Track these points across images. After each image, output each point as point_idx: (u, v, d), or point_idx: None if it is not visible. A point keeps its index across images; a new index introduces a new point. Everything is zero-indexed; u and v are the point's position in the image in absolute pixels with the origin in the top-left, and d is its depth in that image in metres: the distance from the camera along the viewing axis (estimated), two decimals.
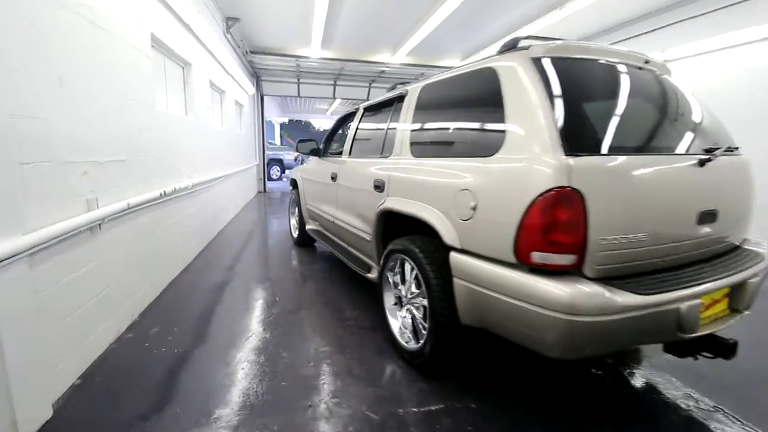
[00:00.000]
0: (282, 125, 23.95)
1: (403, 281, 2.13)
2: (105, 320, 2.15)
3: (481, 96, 1.75)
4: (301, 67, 8.22)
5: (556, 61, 1.56)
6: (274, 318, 2.61)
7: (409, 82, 2.58)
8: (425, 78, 2.32)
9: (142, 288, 2.67)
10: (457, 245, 1.64)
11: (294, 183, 4.63)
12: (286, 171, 14.36)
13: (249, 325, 2.49)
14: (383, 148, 2.52)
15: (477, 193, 1.54)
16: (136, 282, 2.57)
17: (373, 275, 2.53)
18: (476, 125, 1.78)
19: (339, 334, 2.40)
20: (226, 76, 5.93)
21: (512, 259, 1.41)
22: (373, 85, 9.85)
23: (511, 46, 1.71)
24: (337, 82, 9.68)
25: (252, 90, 8.21)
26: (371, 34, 6.55)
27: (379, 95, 2.94)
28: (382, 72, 8.61)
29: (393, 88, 2.83)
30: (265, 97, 10.03)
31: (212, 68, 5.00)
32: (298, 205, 4.37)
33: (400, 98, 2.48)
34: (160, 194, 2.85)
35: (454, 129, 1.94)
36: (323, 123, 27.66)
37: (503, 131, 1.51)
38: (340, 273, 3.55)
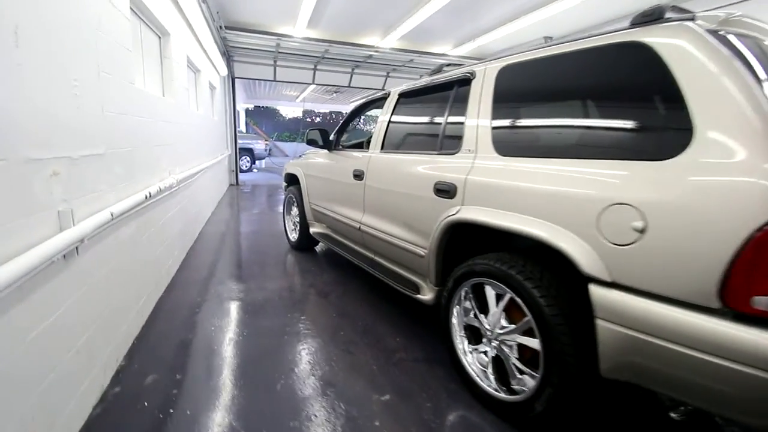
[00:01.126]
0: (246, 111, 22.46)
1: (483, 310, 1.73)
2: (86, 377, 1.55)
3: (627, 79, 1.35)
4: (281, 47, 7.43)
5: (738, 39, 1.19)
6: (305, 352, 2.10)
7: (463, 64, 2.14)
8: (502, 57, 1.88)
9: (126, 319, 2.05)
10: (605, 277, 1.24)
11: (291, 179, 4.05)
12: (257, 162, 13.39)
13: (277, 365, 1.97)
14: (441, 143, 2.07)
15: (647, 209, 1.14)
16: (119, 313, 1.96)
17: (426, 297, 2.09)
18: (625, 118, 1.37)
19: (393, 372, 1.94)
20: (202, 53, 5.13)
21: (714, 302, 1.03)
22: (355, 71, 9.19)
23: (657, 17, 1.31)
24: (318, 66, 8.94)
25: (224, 71, 7.33)
26: (365, 13, 5.96)
27: (361, 82, 2.47)
28: (369, 57, 8.01)
29: (439, 71, 2.37)
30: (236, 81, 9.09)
31: (189, 42, 4.24)
32: (299, 204, 3.81)
33: (463, 82, 2.03)
34: (146, 197, 2.22)
35: (577, 121, 1.52)
36: (290, 111, 26.49)
37: (689, 127, 1.12)
38: (358, 286, 3.07)
